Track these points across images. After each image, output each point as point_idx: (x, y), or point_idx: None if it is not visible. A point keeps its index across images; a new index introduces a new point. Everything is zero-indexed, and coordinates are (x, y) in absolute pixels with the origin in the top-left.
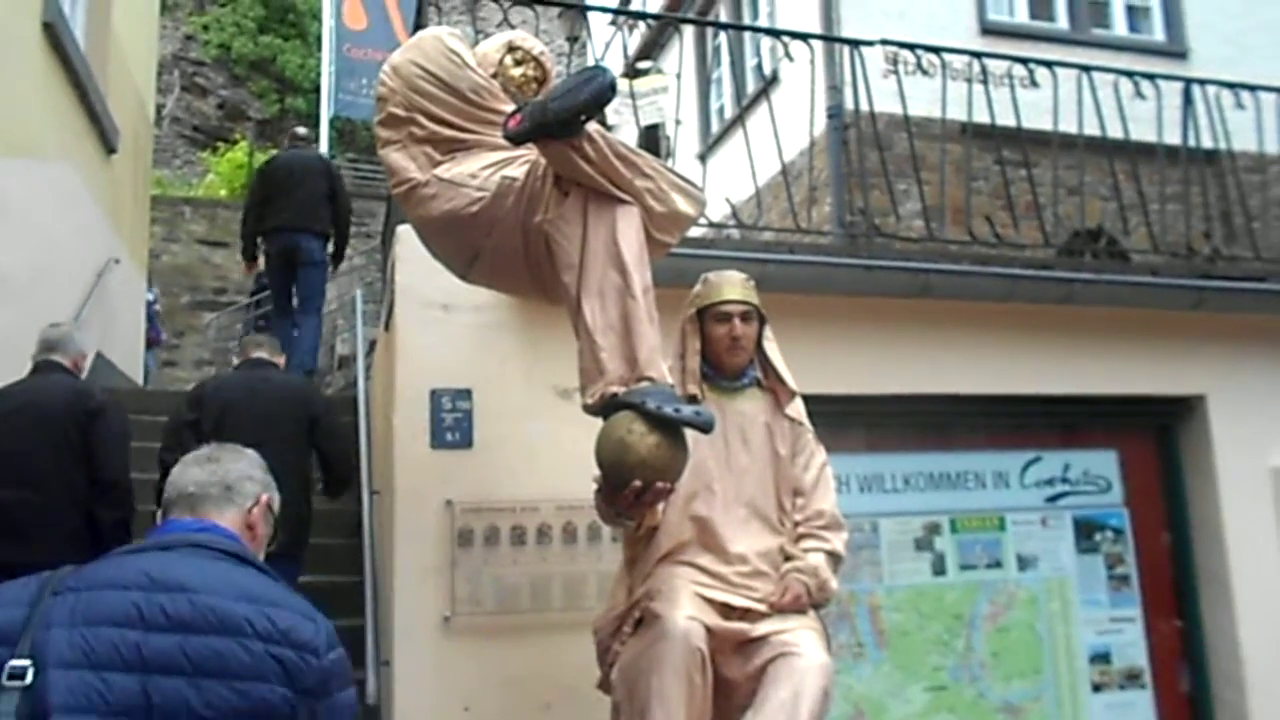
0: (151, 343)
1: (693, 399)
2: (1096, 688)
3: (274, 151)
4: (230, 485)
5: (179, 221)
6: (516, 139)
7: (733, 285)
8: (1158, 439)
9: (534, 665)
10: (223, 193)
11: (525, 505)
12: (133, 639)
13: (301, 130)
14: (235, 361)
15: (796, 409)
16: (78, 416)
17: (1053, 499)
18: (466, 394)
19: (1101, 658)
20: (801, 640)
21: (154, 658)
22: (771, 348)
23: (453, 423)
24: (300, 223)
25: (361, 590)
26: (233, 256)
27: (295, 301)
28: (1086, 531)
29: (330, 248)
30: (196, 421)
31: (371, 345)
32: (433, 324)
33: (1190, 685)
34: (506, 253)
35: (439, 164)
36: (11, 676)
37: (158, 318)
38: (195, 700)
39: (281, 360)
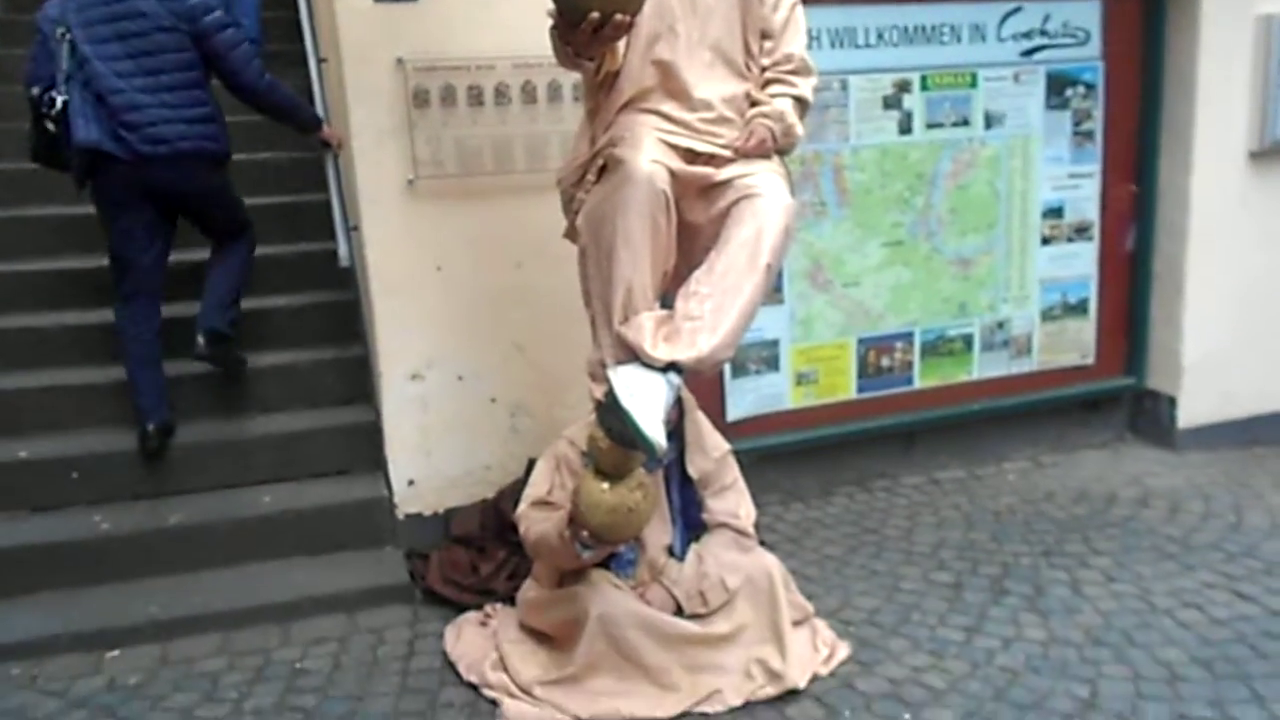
0: None
1: None
2: (1045, 240)
3: None
4: None
5: None
6: None
7: None
8: None
9: (501, 227)
10: None
11: (480, 63)
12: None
13: None
14: None
15: None
16: None
17: (1028, 53)
18: None
19: (1054, 212)
20: (765, 182)
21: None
22: None
23: None
24: None
25: (321, 161)
26: None
27: None
28: (1058, 87)
29: None
30: None
31: None
32: None
33: (1135, 243)
34: None
35: None
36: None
37: None
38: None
39: None
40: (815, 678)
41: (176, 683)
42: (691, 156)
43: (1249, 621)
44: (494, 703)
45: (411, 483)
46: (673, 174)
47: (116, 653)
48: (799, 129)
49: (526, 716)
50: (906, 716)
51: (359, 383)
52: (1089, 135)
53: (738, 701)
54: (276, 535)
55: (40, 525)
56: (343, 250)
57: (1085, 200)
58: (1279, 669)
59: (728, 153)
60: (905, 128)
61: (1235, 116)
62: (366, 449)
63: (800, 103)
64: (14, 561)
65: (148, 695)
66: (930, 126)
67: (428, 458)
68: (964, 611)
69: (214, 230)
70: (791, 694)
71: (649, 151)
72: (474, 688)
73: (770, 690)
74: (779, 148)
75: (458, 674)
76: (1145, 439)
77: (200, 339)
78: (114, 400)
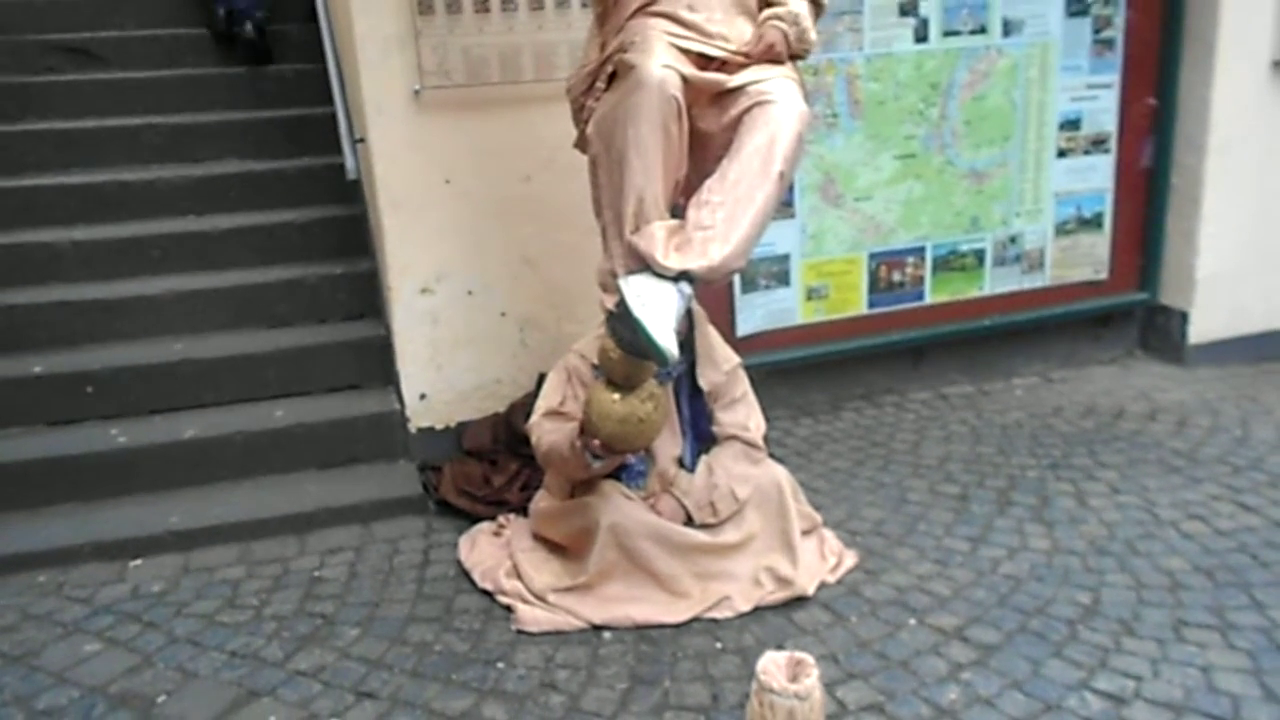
0: None
1: None
2: (1062, 153)
3: None
4: None
5: None
6: None
7: None
8: None
9: (510, 139)
10: None
11: None
12: None
13: None
14: None
15: None
16: None
17: None
18: None
19: (1071, 124)
20: (778, 89)
21: None
22: None
23: None
24: None
25: (325, 73)
26: None
27: None
28: None
29: None
30: None
31: None
32: None
33: (1152, 158)
34: None
35: None
36: None
37: None
38: None
39: None
40: (823, 585)
41: (199, 590)
42: (704, 62)
43: (1252, 532)
44: (508, 609)
45: (423, 397)
46: (685, 80)
47: (139, 562)
48: (813, 34)
49: (540, 621)
50: (911, 621)
51: (368, 297)
52: (1109, 44)
53: (747, 607)
54: (290, 449)
55: (58, 439)
56: (349, 163)
57: (1103, 112)
58: (1279, 577)
59: (740, 57)
60: (921, 35)
61: (1259, 24)
62: (377, 363)
63: (816, 5)
64: (34, 474)
65: (171, 602)
66: (947, 34)
67: (439, 372)
68: (969, 522)
69: None
70: (799, 600)
71: (660, 56)
72: (488, 595)
73: (779, 596)
74: (792, 53)
75: (472, 582)
76: (1155, 354)
77: (249, 27)
78: (127, 316)
